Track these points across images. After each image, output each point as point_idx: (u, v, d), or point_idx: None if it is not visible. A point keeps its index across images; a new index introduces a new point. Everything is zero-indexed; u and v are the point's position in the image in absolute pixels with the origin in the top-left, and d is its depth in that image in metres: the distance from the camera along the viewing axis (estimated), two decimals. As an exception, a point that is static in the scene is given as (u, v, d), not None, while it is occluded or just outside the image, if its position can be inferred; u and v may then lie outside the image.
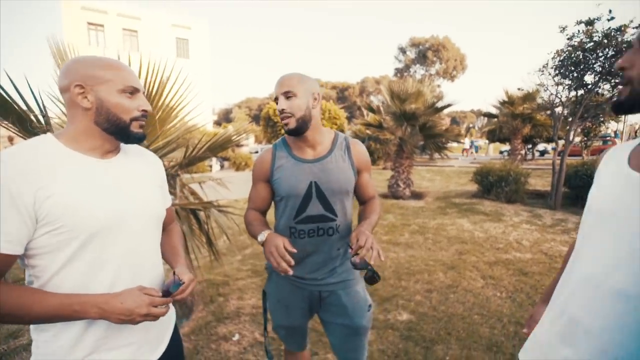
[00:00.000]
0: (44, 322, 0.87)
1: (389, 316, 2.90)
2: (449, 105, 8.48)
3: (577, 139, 11.61)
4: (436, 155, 9.21)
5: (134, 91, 0.96)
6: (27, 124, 1.74)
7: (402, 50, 47.77)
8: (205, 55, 26.61)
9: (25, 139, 1.95)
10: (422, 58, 45.85)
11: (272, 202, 1.49)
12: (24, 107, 1.73)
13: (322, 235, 1.37)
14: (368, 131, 9.54)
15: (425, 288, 3.45)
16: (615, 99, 0.80)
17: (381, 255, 1.11)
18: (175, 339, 1.17)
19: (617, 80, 5.89)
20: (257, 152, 22.68)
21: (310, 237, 1.36)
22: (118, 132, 0.95)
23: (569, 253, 1.06)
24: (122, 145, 1.04)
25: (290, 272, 1.13)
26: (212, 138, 2.53)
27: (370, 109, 9.60)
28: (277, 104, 1.30)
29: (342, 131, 14.41)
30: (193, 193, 3.06)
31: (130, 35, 23.32)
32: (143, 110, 0.98)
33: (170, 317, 1.15)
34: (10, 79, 1.62)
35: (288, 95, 1.28)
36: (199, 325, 2.77)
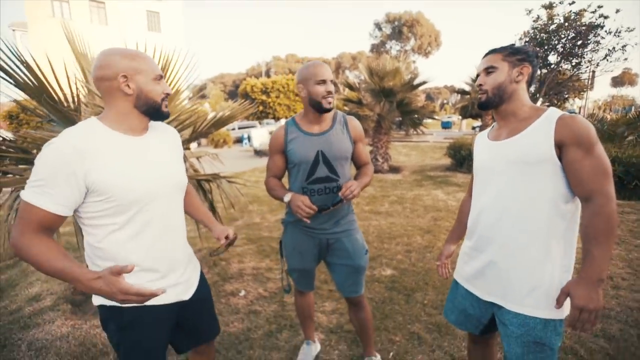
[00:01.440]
0: (56, 278, 1.04)
1: (374, 272, 3.31)
2: (424, 83, 8.84)
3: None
4: (412, 131, 9.64)
5: (160, 78, 1.17)
6: (57, 105, 1.93)
7: (378, 27, 47.49)
8: (178, 29, 25.42)
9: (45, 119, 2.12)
10: (397, 34, 45.80)
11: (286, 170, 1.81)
12: (57, 88, 1.91)
13: (328, 193, 1.70)
14: (346, 107, 9.80)
15: (405, 249, 3.89)
16: (479, 101, 1.33)
17: (353, 193, 1.56)
18: (203, 281, 1.43)
19: (577, 60, 6.40)
20: (234, 129, 22.35)
21: (320, 195, 1.69)
22: (153, 112, 1.17)
23: (462, 204, 1.62)
24: (150, 123, 1.25)
25: (315, 210, 1.59)
26: (215, 115, 2.76)
27: (349, 86, 9.82)
28: (324, 85, 1.61)
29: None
30: (191, 166, 3.30)
31: (97, 7, 21.69)
32: (166, 93, 1.20)
33: (195, 265, 1.41)
34: (49, 61, 1.79)
35: (332, 80, 1.63)
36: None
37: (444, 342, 2.25)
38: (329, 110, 1.67)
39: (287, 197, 1.65)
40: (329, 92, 1.62)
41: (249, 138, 17.30)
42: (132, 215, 1.12)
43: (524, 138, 1.20)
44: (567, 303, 1.17)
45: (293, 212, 1.61)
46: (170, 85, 2.55)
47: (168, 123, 2.63)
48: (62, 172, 0.98)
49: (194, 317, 1.38)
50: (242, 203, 5.03)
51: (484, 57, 1.32)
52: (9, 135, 2.42)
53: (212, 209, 3.06)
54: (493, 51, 1.29)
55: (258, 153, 14.80)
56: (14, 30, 22.28)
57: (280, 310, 2.68)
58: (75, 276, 0.97)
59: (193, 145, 18.46)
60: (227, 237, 1.38)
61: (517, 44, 7.60)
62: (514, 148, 1.22)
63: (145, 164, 1.15)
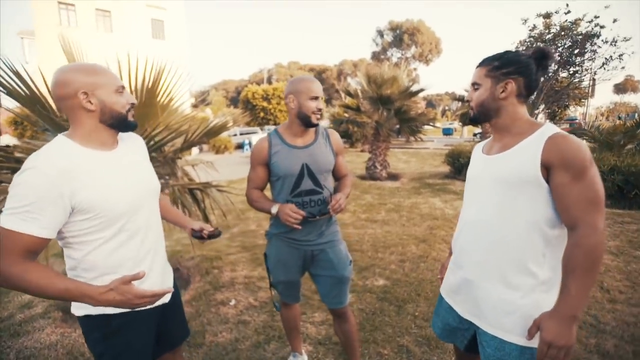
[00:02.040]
0: (58, 300, 1.05)
1: (367, 282, 3.29)
2: (421, 90, 8.87)
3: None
4: (411, 138, 9.64)
5: (122, 89, 1.16)
6: (50, 114, 1.95)
7: (380, 34, 47.86)
8: (182, 37, 25.76)
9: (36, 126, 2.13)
10: (398, 42, 46.14)
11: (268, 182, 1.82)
12: (49, 98, 1.92)
13: (313, 206, 1.70)
14: (346, 114, 9.81)
15: (399, 258, 3.87)
16: (469, 116, 1.32)
17: (341, 207, 1.64)
18: (175, 284, 1.45)
19: (574, 69, 6.43)
20: (235, 135, 22.46)
21: (305, 208, 1.69)
22: (120, 124, 1.16)
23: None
24: (119, 135, 1.24)
25: (306, 214, 1.63)
26: (208, 124, 2.78)
27: (349, 93, 9.85)
28: (316, 101, 1.65)
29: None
30: (186, 174, 3.31)
31: (103, 15, 22.04)
32: (131, 103, 1.19)
33: (169, 267, 1.42)
34: (42, 73, 1.81)
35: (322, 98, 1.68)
36: (198, 294, 3.08)
37: (433, 356, 2.23)
38: (315, 126, 1.70)
39: (275, 209, 1.66)
40: (319, 109, 1.66)
41: (250, 144, 17.38)
42: (119, 228, 1.13)
43: (512, 155, 1.15)
44: None
45: (283, 221, 1.62)
46: (163, 93, 2.57)
47: (160, 132, 2.68)
48: (49, 196, 0.97)
49: (169, 320, 1.40)
50: (236, 211, 5.03)
51: (475, 68, 1.26)
52: (14, 141, 2.45)
53: (205, 217, 3.07)
54: (480, 64, 1.24)
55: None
56: (22, 38, 22.68)
57: (270, 320, 2.67)
58: (84, 293, 0.97)
59: (195, 151, 18.58)
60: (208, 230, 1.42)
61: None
62: (501, 165, 1.17)
63: (125, 177, 1.17)
